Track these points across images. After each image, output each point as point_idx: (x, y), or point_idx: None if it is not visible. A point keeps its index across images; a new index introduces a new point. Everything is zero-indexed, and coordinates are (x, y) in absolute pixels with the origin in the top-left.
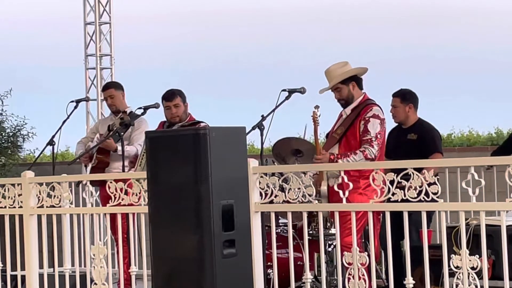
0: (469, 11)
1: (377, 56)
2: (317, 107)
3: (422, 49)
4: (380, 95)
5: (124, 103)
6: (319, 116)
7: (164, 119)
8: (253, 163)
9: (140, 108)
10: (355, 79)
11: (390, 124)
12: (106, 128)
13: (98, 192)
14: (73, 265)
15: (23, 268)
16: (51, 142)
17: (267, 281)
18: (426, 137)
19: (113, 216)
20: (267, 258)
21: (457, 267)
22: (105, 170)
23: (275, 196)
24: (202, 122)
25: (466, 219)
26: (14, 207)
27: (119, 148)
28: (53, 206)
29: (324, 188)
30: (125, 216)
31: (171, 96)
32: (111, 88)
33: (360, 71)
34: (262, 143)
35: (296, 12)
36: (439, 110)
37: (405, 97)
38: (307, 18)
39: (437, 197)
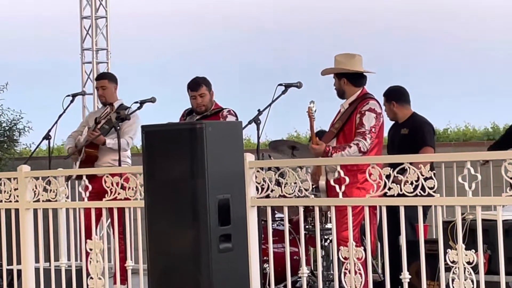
0: (466, 7)
1: (375, 51)
2: (312, 102)
3: (419, 45)
4: (378, 90)
5: (115, 95)
6: (315, 111)
7: (185, 108)
8: (249, 157)
9: (136, 102)
10: (349, 77)
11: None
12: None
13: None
14: (69, 259)
15: (19, 263)
16: (47, 136)
17: (263, 275)
18: (416, 131)
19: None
20: (263, 252)
21: (453, 262)
22: (94, 164)
23: (272, 191)
24: (226, 108)
25: (462, 214)
26: (10, 201)
27: (108, 141)
28: (49, 201)
29: (322, 182)
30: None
31: (196, 86)
32: (106, 80)
33: (354, 72)
34: (258, 138)
35: (294, 10)
36: (435, 105)
37: (388, 96)
38: (306, 16)
39: (433, 192)
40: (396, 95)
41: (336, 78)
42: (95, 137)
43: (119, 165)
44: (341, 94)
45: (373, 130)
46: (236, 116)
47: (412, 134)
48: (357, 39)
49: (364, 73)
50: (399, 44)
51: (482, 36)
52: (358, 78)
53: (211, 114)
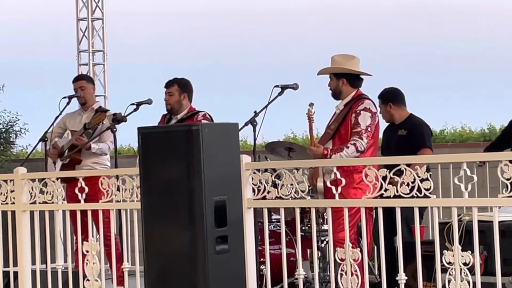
0: (464, 10)
1: (372, 51)
2: (311, 104)
3: (416, 46)
4: (375, 91)
5: (93, 97)
6: (314, 113)
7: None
8: (245, 159)
9: (132, 104)
10: (348, 77)
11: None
12: (75, 123)
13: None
14: (65, 261)
15: (15, 265)
16: (43, 138)
17: (260, 277)
18: (415, 132)
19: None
20: (259, 254)
21: (449, 263)
22: (76, 167)
23: (268, 192)
24: (202, 111)
25: (458, 215)
26: (7, 203)
27: (93, 146)
28: (46, 202)
29: (320, 184)
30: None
31: (168, 83)
32: (83, 80)
33: (355, 72)
34: (255, 139)
35: (291, 9)
36: (432, 106)
37: (384, 97)
38: (303, 15)
39: (430, 193)
40: (392, 96)
41: (334, 78)
42: (84, 144)
43: (116, 166)
44: (338, 95)
45: (368, 129)
46: (211, 119)
47: (411, 136)
48: (353, 39)
49: (361, 75)
50: (396, 46)
51: (479, 37)
52: (356, 79)
53: (187, 117)
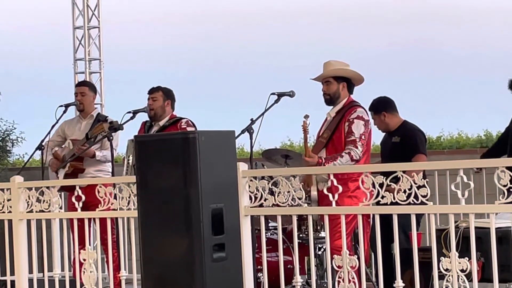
0: (461, 16)
1: (367, 57)
2: (306, 116)
3: (411, 51)
4: (368, 97)
5: (92, 105)
6: (309, 125)
7: (144, 120)
8: (242, 166)
9: (129, 112)
10: (348, 81)
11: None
12: (74, 131)
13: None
14: (62, 270)
15: (12, 273)
16: (40, 147)
17: (257, 284)
18: (408, 139)
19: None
20: (257, 261)
21: (446, 270)
22: (79, 176)
23: (265, 200)
24: (184, 118)
25: (455, 222)
26: (3, 212)
27: (97, 153)
28: (43, 211)
29: (314, 193)
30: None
31: (152, 89)
32: (86, 87)
33: (357, 76)
34: (251, 147)
35: (287, 13)
36: (428, 113)
37: (377, 108)
38: (299, 20)
39: (427, 200)
40: (385, 105)
41: (335, 82)
42: (84, 151)
43: (113, 174)
44: (335, 99)
45: (362, 137)
46: (194, 126)
47: (404, 142)
48: (350, 43)
49: (354, 84)
50: (390, 50)
51: (476, 43)
52: (352, 86)
53: (169, 124)
